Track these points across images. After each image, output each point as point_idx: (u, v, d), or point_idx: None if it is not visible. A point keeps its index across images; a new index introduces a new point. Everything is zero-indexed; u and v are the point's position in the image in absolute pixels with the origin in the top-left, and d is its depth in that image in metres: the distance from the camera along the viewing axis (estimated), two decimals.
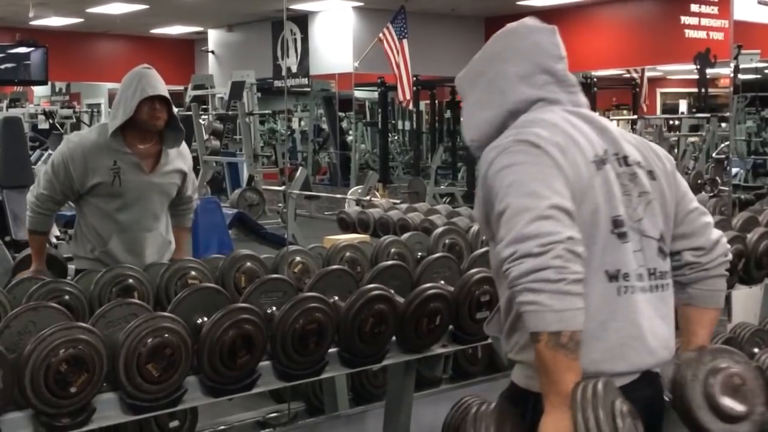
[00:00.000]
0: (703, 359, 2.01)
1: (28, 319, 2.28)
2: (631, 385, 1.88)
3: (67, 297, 2.73)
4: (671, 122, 14.73)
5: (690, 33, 11.54)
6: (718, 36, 11.20)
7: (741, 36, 8.96)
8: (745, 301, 4.57)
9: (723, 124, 11.30)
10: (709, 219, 2.11)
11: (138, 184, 3.36)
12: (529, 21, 2.07)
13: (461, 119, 2.09)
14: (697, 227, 2.07)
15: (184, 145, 3.61)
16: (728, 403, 1.97)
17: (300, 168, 10.88)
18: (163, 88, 3.35)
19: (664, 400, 2.05)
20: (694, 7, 11.58)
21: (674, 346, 2.02)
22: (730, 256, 2.11)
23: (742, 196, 9.62)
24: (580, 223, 1.80)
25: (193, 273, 3.06)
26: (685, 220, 2.05)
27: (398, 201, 7.58)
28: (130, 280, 2.95)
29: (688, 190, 2.10)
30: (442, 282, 2.99)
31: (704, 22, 11.43)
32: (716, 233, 2.09)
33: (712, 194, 8.26)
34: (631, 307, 1.88)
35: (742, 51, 9.98)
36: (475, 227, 4.00)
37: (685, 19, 11.59)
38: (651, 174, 1.98)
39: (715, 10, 11.50)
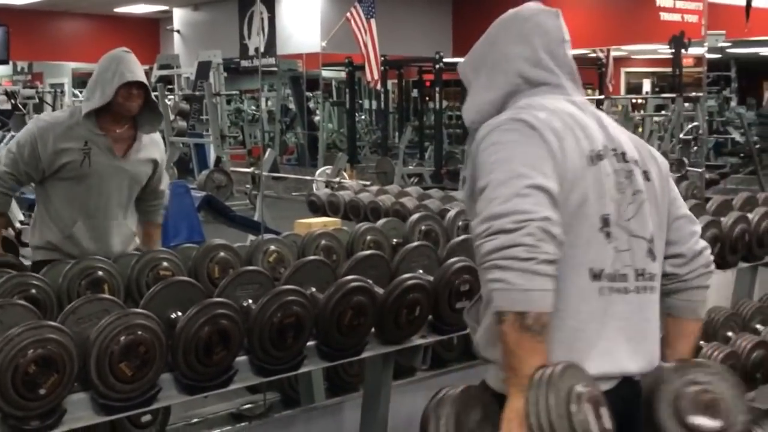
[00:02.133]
0: (670, 378, 1.94)
1: None
2: (608, 393, 1.79)
3: (33, 291, 2.63)
4: (636, 101, 14.86)
5: (665, 15, 11.58)
6: (692, 18, 11.24)
7: (710, 17, 9.01)
8: (719, 284, 4.58)
9: (687, 104, 11.38)
10: (697, 228, 2.05)
11: (107, 167, 3.29)
12: (532, 4, 2.02)
13: (464, 104, 2.01)
14: (683, 235, 2.01)
15: (158, 135, 3.55)
16: (699, 421, 1.89)
17: (269, 149, 10.79)
18: (141, 74, 3.30)
19: (639, 411, 1.95)
20: None
21: (658, 351, 1.95)
22: (712, 268, 2.05)
23: (707, 176, 9.71)
24: (567, 214, 1.75)
25: (164, 264, 2.98)
26: (672, 226, 2.00)
27: (368, 183, 7.54)
28: (100, 273, 2.86)
29: (679, 196, 2.05)
30: (421, 271, 2.94)
31: (679, 4, 11.47)
32: (701, 244, 2.04)
33: (679, 175, 8.30)
34: (613, 309, 1.82)
35: (708, 32, 10.06)
36: (451, 212, 3.95)
37: (660, 2, 11.61)
38: (646, 174, 1.93)
39: None
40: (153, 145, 3.47)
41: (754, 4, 7.15)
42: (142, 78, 3.29)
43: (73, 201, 3.29)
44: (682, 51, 10.76)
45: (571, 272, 1.76)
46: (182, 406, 3.46)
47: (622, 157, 1.89)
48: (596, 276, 1.79)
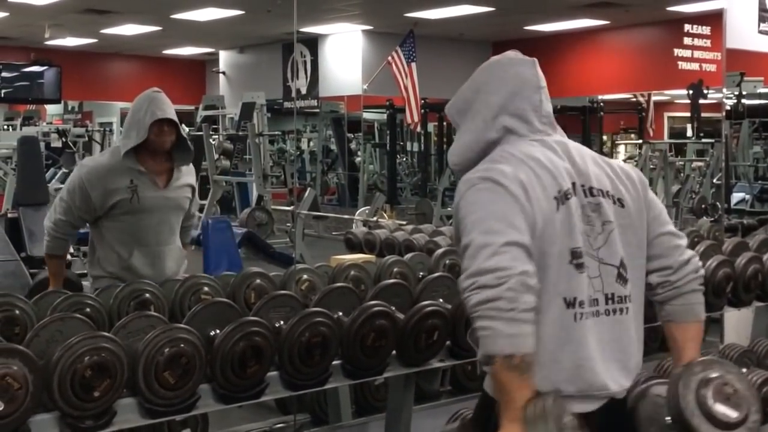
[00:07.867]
0: (694, 369, 2.12)
1: (55, 328, 2.46)
2: (593, 414, 2.03)
3: (88, 309, 2.90)
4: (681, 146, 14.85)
5: (683, 65, 11.74)
6: (710, 67, 11.39)
7: (741, 64, 9.12)
8: (737, 324, 4.72)
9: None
10: (681, 242, 2.24)
11: (154, 199, 3.56)
12: (512, 54, 2.25)
13: (451, 146, 2.28)
14: (666, 249, 2.21)
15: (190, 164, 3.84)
16: (722, 409, 2.07)
17: (308, 188, 11.05)
18: (171, 111, 3.56)
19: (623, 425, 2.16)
20: (686, 40, 11.77)
21: (636, 366, 2.13)
22: (701, 272, 2.24)
23: (745, 221, 9.73)
24: (540, 253, 1.98)
25: (206, 289, 3.23)
26: (655, 242, 2.20)
27: (404, 222, 7.73)
28: (147, 295, 3.12)
29: (662, 214, 2.24)
30: (441, 300, 3.14)
31: (696, 54, 11.64)
32: (687, 254, 2.23)
33: (712, 219, 8.39)
34: (587, 332, 2.04)
35: (746, 78, 10.14)
36: None
37: (678, 51, 11.78)
38: (620, 202, 2.14)
39: (707, 42, 11.67)
40: (188, 173, 3.77)
41: None
42: (172, 115, 3.55)
43: (127, 235, 3.56)
44: (719, 96, 10.82)
45: (546, 303, 2.00)
46: (219, 424, 3.69)
47: (590, 192, 2.10)
48: (570, 304, 2.02)
